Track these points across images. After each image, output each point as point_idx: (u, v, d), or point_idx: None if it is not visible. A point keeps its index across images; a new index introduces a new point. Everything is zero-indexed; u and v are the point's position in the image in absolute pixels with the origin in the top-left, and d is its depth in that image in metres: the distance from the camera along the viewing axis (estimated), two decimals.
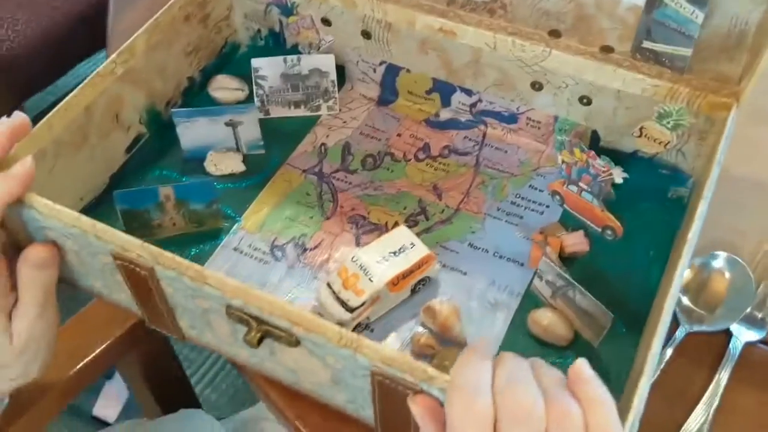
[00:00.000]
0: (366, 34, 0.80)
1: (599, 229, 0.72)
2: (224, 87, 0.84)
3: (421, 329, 0.67)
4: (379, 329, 0.68)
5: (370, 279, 0.65)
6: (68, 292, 0.68)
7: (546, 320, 0.66)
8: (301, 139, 0.82)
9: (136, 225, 0.73)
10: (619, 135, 0.75)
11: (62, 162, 0.70)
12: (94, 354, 0.85)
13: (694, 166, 0.74)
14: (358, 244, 0.73)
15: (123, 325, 0.86)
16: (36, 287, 0.61)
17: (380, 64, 0.83)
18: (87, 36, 1.49)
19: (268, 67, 0.82)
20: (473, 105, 0.81)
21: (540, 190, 0.77)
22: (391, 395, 0.53)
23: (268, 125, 0.83)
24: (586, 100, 0.74)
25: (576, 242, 0.70)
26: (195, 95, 0.85)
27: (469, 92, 0.80)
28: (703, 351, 0.70)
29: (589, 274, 0.71)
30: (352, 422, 0.61)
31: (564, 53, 0.71)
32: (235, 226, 0.75)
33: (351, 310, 0.65)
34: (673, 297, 0.56)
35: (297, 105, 0.84)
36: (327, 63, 0.82)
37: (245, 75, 0.84)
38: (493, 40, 0.73)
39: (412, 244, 0.68)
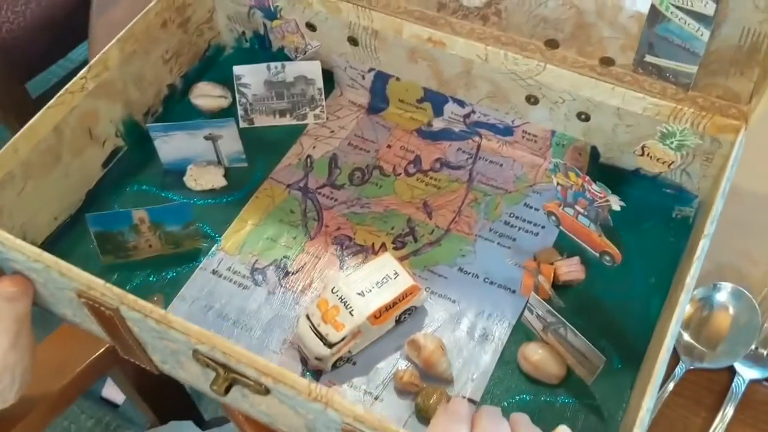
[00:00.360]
0: (353, 41, 0.76)
1: (597, 254, 0.68)
2: (206, 94, 0.80)
3: (404, 365, 0.64)
4: (362, 362, 0.65)
5: (350, 313, 0.62)
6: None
7: (536, 356, 0.62)
8: (286, 150, 0.78)
9: (111, 247, 0.70)
10: (620, 152, 0.71)
11: (33, 183, 0.67)
12: (81, 368, 0.82)
13: (700, 186, 0.69)
14: (342, 267, 0.70)
15: None
16: (8, 319, 0.59)
17: (369, 71, 0.78)
18: (87, 17, 1.46)
19: (251, 75, 0.78)
20: (467, 116, 0.77)
21: (535, 209, 0.73)
22: None
23: (252, 135, 0.79)
24: (584, 116, 0.69)
25: (571, 270, 0.66)
26: (177, 102, 0.81)
27: (461, 103, 0.76)
28: (703, 389, 0.66)
29: (585, 303, 0.67)
30: None
31: (560, 67, 0.66)
32: (214, 247, 0.72)
33: (330, 345, 0.62)
34: (672, 336, 0.52)
35: (282, 114, 0.80)
36: (313, 70, 0.78)
37: (231, 79, 0.80)
38: (484, 52, 0.68)
39: (395, 273, 0.64)
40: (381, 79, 0.78)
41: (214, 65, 0.84)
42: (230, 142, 0.75)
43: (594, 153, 0.72)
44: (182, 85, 0.81)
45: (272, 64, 0.77)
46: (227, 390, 0.55)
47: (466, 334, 0.66)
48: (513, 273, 0.69)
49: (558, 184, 0.67)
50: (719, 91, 0.64)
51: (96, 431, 1.48)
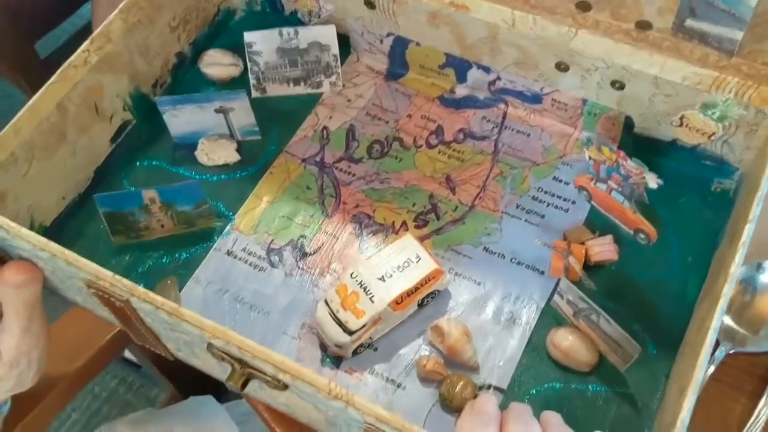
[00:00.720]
0: (370, 4, 0.71)
1: (631, 232, 0.64)
2: (217, 63, 0.76)
3: (427, 351, 0.61)
4: (384, 348, 0.62)
5: (371, 299, 0.59)
6: None
7: (567, 343, 0.59)
8: (301, 121, 0.74)
9: (122, 227, 0.67)
10: (656, 122, 0.66)
11: (38, 164, 0.64)
12: (97, 347, 0.81)
13: (742, 158, 0.65)
14: (361, 247, 0.67)
15: None
16: (18, 305, 0.58)
17: (387, 35, 0.74)
18: None
19: (262, 42, 0.73)
20: (492, 83, 0.72)
21: (565, 183, 0.69)
22: None
23: (265, 105, 0.75)
24: (618, 85, 0.65)
25: (603, 250, 0.63)
26: (186, 71, 0.77)
27: (487, 69, 0.71)
28: (743, 373, 0.63)
29: (618, 284, 0.63)
30: None
31: (593, 34, 0.62)
32: (228, 227, 0.69)
33: (350, 332, 0.59)
34: (714, 330, 0.49)
35: (296, 82, 0.76)
36: (328, 35, 0.73)
37: (242, 45, 0.75)
38: (511, 17, 0.63)
39: (418, 257, 0.61)
40: (400, 44, 0.74)
41: (224, 30, 0.80)
42: (242, 115, 0.71)
43: (628, 123, 0.68)
44: (191, 53, 0.77)
45: (285, 30, 0.73)
46: (244, 385, 0.53)
47: (492, 318, 0.63)
48: (541, 253, 0.65)
49: (590, 158, 0.63)
50: (766, 58, 0.59)
51: (120, 390, 1.49)
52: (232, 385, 0.53)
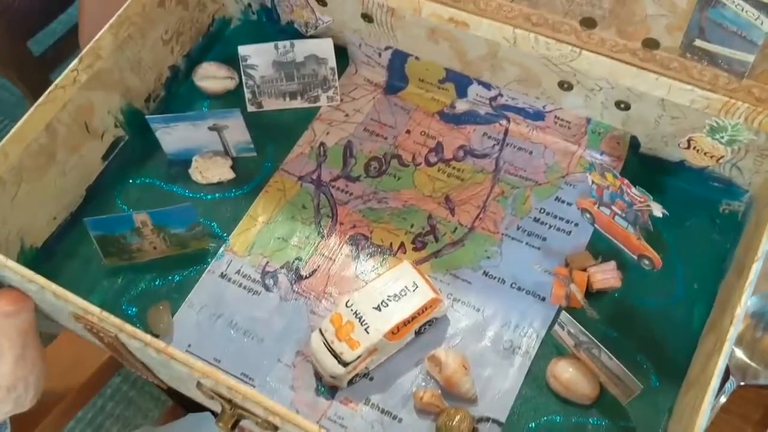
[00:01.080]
0: (367, 17, 0.69)
1: (635, 257, 0.63)
2: (211, 76, 0.74)
3: (423, 381, 0.60)
4: (380, 377, 0.61)
5: (366, 330, 0.58)
6: None
7: (567, 375, 0.57)
8: (297, 137, 0.73)
9: (114, 249, 0.66)
10: (663, 143, 0.64)
11: (26, 186, 0.63)
12: (96, 365, 0.80)
13: (752, 181, 0.63)
14: (357, 271, 0.65)
15: None
16: (11, 333, 0.58)
17: (386, 48, 0.72)
18: None
19: (257, 55, 0.71)
20: (493, 98, 0.70)
21: (568, 204, 0.67)
22: None
23: (261, 120, 0.73)
24: (623, 105, 0.62)
25: (606, 277, 0.61)
26: (180, 84, 0.76)
27: (488, 86, 0.69)
28: (750, 404, 0.62)
29: (621, 312, 0.62)
30: None
31: (597, 53, 0.59)
32: (222, 248, 0.67)
33: (345, 364, 0.58)
34: (719, 374, 0.47)
35: (293, 96, 0.74)
36: (325, 48, 0.71)
37: (237, 57, 0.73)
38: (512, 35, 0.61)
39: (415, 285, 0.60)
40: (399, 57, 0.72)
41: (219, 41, 0.78)
42: (236, 132, 0.69)
43: (634, 142, 0.66)
44: (185, 66, 0.75)
45: (280, 43, 0.71)
46: (234, 426, 0.51)
47: (491, 346, 0.61)
48: (543, 278, 0.63)
49: (593, 182, 0.61)
50: None
51: (123, 387, 1.50)
52: (222, 427, 0.52)
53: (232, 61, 0.74)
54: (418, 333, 0.61)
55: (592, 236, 0.65)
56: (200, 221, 0.65)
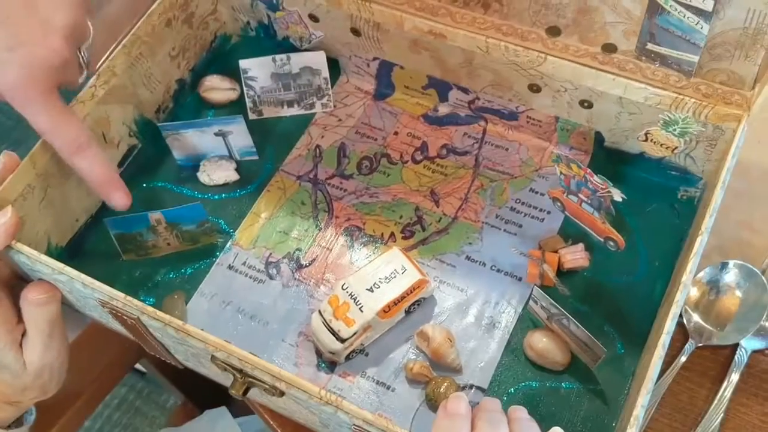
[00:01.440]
0: (355, 32, 0.76)
1: (601, 239, 0.69)
2: (215, 87, 0.81)
3: (414, 355, 0.67)
4: (374, 353, 0.67)
5: (360, 309, 0.65)
6: None
7: (541, 345, 0.64)
8: (295, 141, 0.80)
9: (131, 246, 0.73)
10: (624, 137, 0.71)
11: (52, 191, 0.69)
12: (109, 364, 0.87)
13: (705, 169, 0.70)
14: (352, 259, 0.72)
15: None
16: (39, 322, 0.63)
17: (373, 59, 0.79)
18: None
19: (257, 68, 0.79)
20: (471, 102, 0.77)
21: (541, 194, 0.74)
22: None
23: (262, 126, 0.80)
24: (587, 104, 0.69)
25: (575, 258, 0.68)
26: (187, 96, 0.83)
27: (466, 90, 0.76)
28: (708, 361, 0.69)
29: (590, 289, 0.69)
30: None
31: (561, 58, 0.66)
32: (229, 243, 0.74)
33: (342, 340, 0.65)
34: (668, 334, 0.54)
35: (290, 104, 0.81)
36: (318, 61, 0.78)
37: (238, 70, 0.80)
38: (485, 44, 0.68)
39: (403, 268, 0.66)
40: (386, 67, 0.79)
41: (221, 55, 0.85)
42: (240, 137, 0.76)
43: (598, 137, 0.73)
44: (191, 79, 0.82)
45: (277, 57, 0.78)
46: (245, 392, 0.58)
47: (474, 322, 0.68)
48: (519, 260, 0.70)
49: (561, 173, 0.68)
50: (723, 77, 0.64)
51: (130, 397, 1.55)
52: (235, 393, 0.58)
53: (233, 73, 0.81)
54: (408, 312, 0.68)
55: (563, 222, 0.72)
56: (209, 219, 0.72)
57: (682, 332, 0.70)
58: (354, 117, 0.81)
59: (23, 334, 0.63)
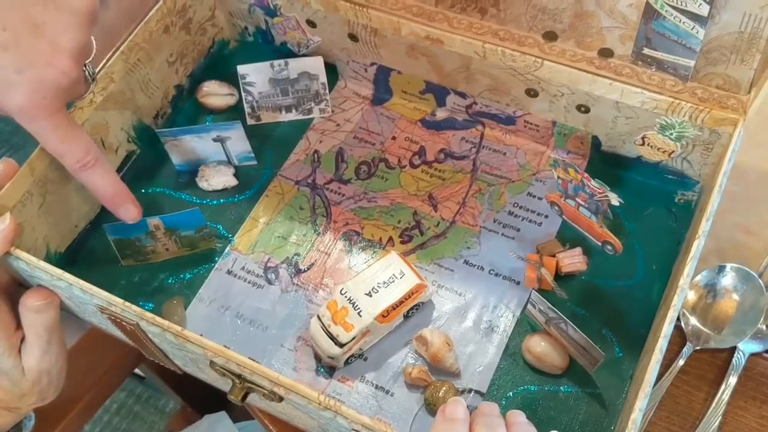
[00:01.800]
0: (353, 37, 0.76)
1: (599, 243, 0.70)
2: (214, 93, 0.81)
3: (413, 359, 0.67)
4: (373, 357, 0.67)
5: (358, 314, 0.65)
6: None
7: (539, 348, 0.64)
8: (293, 146, 0.80)
9: (130, 252, 0.73)
10: (621, 141, 0.71)
11: (51, 197, 0.69)
12: (108, 370, 0.87)
13: (701, 173, 0.70)
14: (350, 264, 0.72)
15: None
16: (38, 328, 0.63)
17: (371, 65, 0.79)
18: None
19: (255, 73, 0.79)
20: (469, 106, 0.78)
21: (539, 198, 0.74)
22: None
23: (260, 131, 0.81)
24: (584, 109, 0.70)
25: (573, 262, 0.68)
26: (185, 101, 0.83)
27: (463, 95, 0.76)
28: (705, 365, 0.69)
29: (588, 292, 0.69)
30: None
31: (557, 63, 0.67)
32: (227, 248, 0.74)
33: (341, 345, 0.65)
34: (666, 337, 0.54)
35: (288, 109, 0.81)
36: (316, 66, 0.79)
37: (236, 75, 0.80)
38: (482, 49, 0.69)
39: (401, 272, 0.67)
40: (383, 72, 0.79)
41: (219, 61, 0.85)
42: (238, 143, 0.76)
43: (595, 141, 0.73)
44: (189, 84, 0.83)
45: (275, 62, 0.78)
46: (244, 398, 0.58)
47: (472, 326, 0.68)
48: (517, 264, 0.71)
49: (558, 177, 0.68)
50: (719, 81, 0.64)
51: (128, 402, 1.54)
52: (234, 398, 0.58)
53: (232, 79, 0.82)
54: (406, 317, 0.68)
55: (560, 226, 0.72)
56: (207, 224, 0.72)
57: (679, 335, 0.70)
58: (352, 122, 0.81)
59: (22, 340, 0.63)
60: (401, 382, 0.66)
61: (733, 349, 0.69)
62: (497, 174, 0.76)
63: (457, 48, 0.70)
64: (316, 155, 0.79)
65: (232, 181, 0.78)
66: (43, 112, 0.59)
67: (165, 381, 0.99)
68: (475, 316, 0.69)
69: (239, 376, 0.57)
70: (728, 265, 0.71)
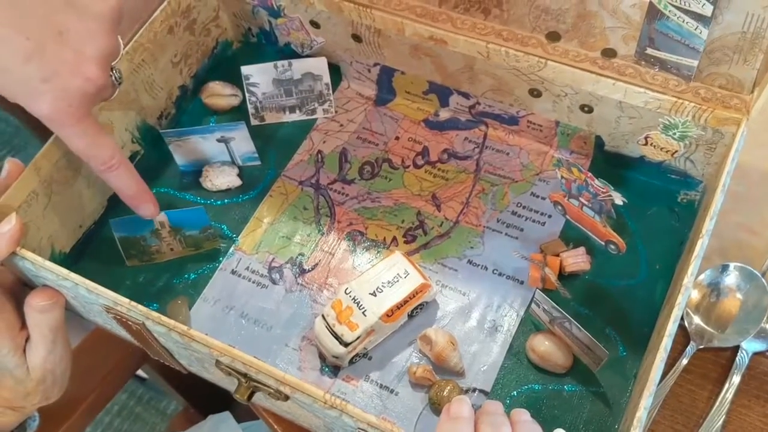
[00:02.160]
0: (357, 38, 0.76)
1: (602, 243, 0.70)
2: (217, 94, 0.82)
3: (417, 359, 0.67)
4: (378, 357, 0.68)
5: (363, 313, 0.65)
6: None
7: (543, 347, 0.65)
8: (297, 146, 0.80)
9: (135, 252, 0.73)
10: (624, 141, 0.71)
11: (56, 197, 0.70)
12: (111, 370, 0.87)
13: (705, 172, 0.70)
14: (354, 263, 0.72)
15: None
16: (43, 328, 0.64)
17: (374, 65, 0.79)
18: None
19: (259, 74, 0.79)
20: (472, 107, 0.78)
21: (542, 198, 0.74)
22: None
23: (264, 132, 0.81)
24: (587, 108, 0.70)
25: (576, 261, 0.68)
26: (189, 102, 0.83)
27: (466, 95, 0.77)
28: (709, 364, 0.69)
29: (591, 292, 0.69)
30: None
31: (561, 63, 0.67)
32: (232, 248, 0.74)
33: (345, 344, 0.65)
34: (670, 336, 0.54)
35: (292, 110, 0.81)
36: (319, 66, 0.79)
37: (240, 76, 0.81)
38: (486, 50, 0.69)
39: (406, 272, 0.67)
40: (387, 72, 0.79)
41: (223, 62, 0.86)
42: (242, 143, 0.77)
43: (599, 141, 0.73)
44: (193, 85, 0.83)
45: (279, 63, 0.78)
46: (250, 397, 0.58)
47: (476, 326, 0.68)
48: (521, 264, 0.71)
49: (562, 177, 0.68)
50: (722, 81, 0.64)
51: (130, 404, 1.55)
52: (239, 397, 0.59)
53: (235, 79, 0.82)
54: (410, 316, 0.68)
55: (564, 226, 0.73)
56: (212, 224, 0.72)
57: (683, 334, 0.70)
58: (355, 122, 0.81)
59: (27, 340, 0.63)
60: (406, 381, 0.66)
61: (737, 348, 0.69)
62: (500, 174, 0.76)
63: (461, 48, 0.70)
64: (319, 155, 0.79)
65: (236, 182, 0.78)
66: (71, 119, 0.59)
67: (168, 382, 0.99)
68: (479, 315, 0.69)
69: (245, 375, 0.57)
70: (731, 265, 0.71)
